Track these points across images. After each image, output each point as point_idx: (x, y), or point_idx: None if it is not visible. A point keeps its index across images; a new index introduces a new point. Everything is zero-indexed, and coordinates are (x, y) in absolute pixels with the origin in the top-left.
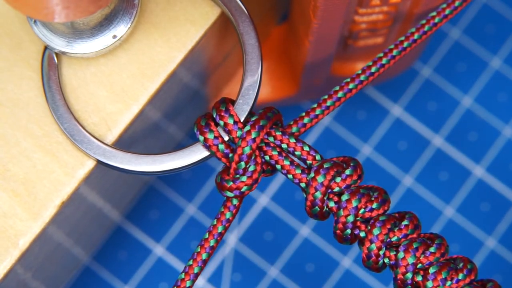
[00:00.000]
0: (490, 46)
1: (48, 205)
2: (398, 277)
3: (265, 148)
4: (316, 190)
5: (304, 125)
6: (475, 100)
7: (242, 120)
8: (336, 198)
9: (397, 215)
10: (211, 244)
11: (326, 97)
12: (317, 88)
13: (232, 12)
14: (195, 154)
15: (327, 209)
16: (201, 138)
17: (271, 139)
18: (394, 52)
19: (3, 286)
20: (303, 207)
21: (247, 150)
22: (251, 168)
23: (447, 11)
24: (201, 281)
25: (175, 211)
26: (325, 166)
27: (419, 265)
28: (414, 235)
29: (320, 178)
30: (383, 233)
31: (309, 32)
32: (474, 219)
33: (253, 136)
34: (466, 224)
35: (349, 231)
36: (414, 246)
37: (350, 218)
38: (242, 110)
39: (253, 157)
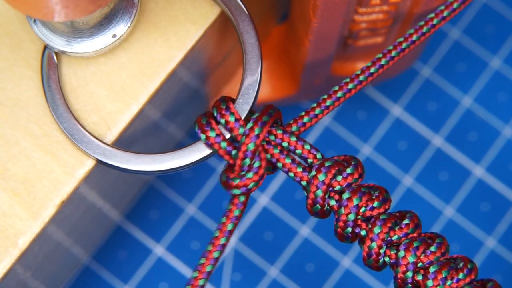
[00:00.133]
0: (490, 46)
1: (47, 204)
2: (399, 276)
3: (266, 147)
4: (318, 188)
5: (304, 124)
6: (475, 100)
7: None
8: (337, 197)
9: (398, 214)
10: (222, 242)
11: (325, 96)
12: (317, 87)
13: (232, 11)
14: (195, 153)
15: (328, 207)
16: (203, 136)
17: (272, 137)
18: (393, 53)
19: (3, 285)
20: (303, 207)
21: (251, 146)
22: (256, 164)
23: (445, 13)
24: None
25: (175, 211)
26: (326, 164)
27: (420, 264)
28: (415, 234)
29: (321, 176)
30: (384, 232)
31: (309, 31)
32: (474, 219)
33: (256, 132)
34: (466, 224)
35: (350, 229)
36: (415, 245)
37: (351, 217)
38: (242, 109)
39: (257, 153)
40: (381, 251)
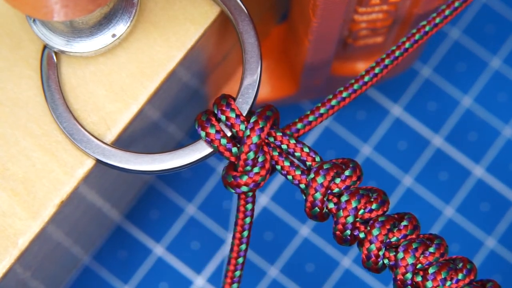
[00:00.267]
0: (490, 46)
1: (47, 204)
2: (398, 278)
3: (266, 148)
4: (316, 191)
5: (304, 126)
6: (475, 100)
7: None
8: (335, 199)
9: (396, 216)
10: (245, 235)
11: (325, 101)
12: (317, 87)
13: (232, 11)
14: (195, 153)
15: (327, 210)
16: (203, 133)
17: (271, 139)
18: (397, 53)
19: (2, 285)
20: (303, 207)
21: (256, 139)
22: (261, 159)
23: (447, 12)
24: (201, 281)
25: (175, 211)
26: (324, 167)
27: (419, 266)
28: (413, 236)
29: (319, 179)
30: (383, 234)
31: (308, 31)
32: (474, 219)
33: (261, 125)
34: (466, 224)
35: (348, 232)
36: (414, 247)
37: (350, 219)
38: (241, 109)
39: (260, 148)
40: (380, 253)
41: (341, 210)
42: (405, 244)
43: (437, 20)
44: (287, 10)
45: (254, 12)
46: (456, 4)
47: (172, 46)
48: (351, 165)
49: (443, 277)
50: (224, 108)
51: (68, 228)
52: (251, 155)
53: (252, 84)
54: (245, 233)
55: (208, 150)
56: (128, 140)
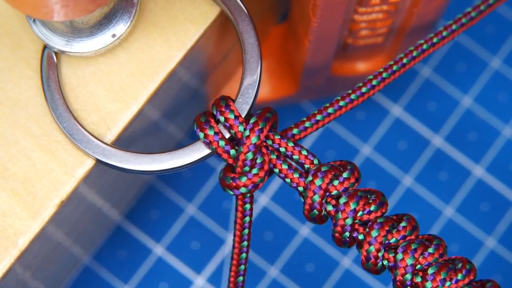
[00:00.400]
0: (490, 46)
1: (47, 204)
2: (398, 279)
3: (264, 150)
4: (315, 193)
5: (305, 128)
6: (475, 100)
7: None
8: (334, 202)
9: (395, 217)
10: (245, 233)
11: (327, 104)
12: (317, 87)
13: (232, 11)
14: (195, 153)
15: (325, 212)
16: (201, 134)
17: (270, 142)
18: (394, 67)
19: (2, 285)
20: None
21: (255, 139)
22: (260, 160)
23: (454, 27)
24: (201, 281)
25: (175, 211)
26: (322, 169)
27: (418, 266)
28: (412, 237)
29: (318, 182)
30: (382, 235)
31: (308, 31)
32: (474, 219)
33: (260, 126)
34: (465, 224)
35: (347, 234)
36: (413, 247)
37: (349, 221)
38: (241, 109)
39: (258, 150)
40: (379, 254)
41: (340, 212)
42: (404, 245)
43: (444, 33)
44: (287, 10)
45: (254, 12)
46: (463, 20)
47: (172, 46)
48: (349, 167)
49: (442, 277)
50: (223, 109)
51: (68, 228)
52: (250, 155)
53: (252, 84)
54: (246, 231)
55: (207, 150)
56: (128, 140)
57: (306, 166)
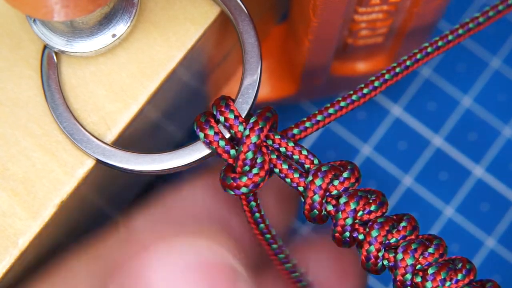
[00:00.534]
0: (490, 46)
1: (47, 204)
2: (398, 279)
3: (264, 150)
4: (315, 193)
5: (306, 128)
6: (475, 100)
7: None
8: (334, 201)
9: (395, 217)
10: (262, 227)
11: (328, 104)
12: (317, 87)
13: (232, 11)
14: (195, 153)
15: (325, 212)
16: (201, 134)
17: (270, 142)
18: (386, 76)
19: (2, 285)
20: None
21: (255, 139)
22: (260, 160)
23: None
24: None
25: None
26: (322, 169)
27: (418, 266)
28: (413, 237)
29: (318, 181)
30: (382, 235)
31: (308, 31)
32: (474, 219)
33: (260, 125)
34: (465, 224)
35: (347, 234)
36: (413, 247)
37: (349, 221)
38: (241, 109)
39: (259, 149)
40: (380, 254)
41: (340, 212)
42: (404, 245)
43: (450, 37)
44: (287, 10)
45: (254, 12)
46: (470, 25)
47: (172, 46)
48: (349, 167)
49: (442, 277)
50: (223, 109)
51: (68, 228)
52: (250, 155)
53: (252, 84)
54: (262, 226)
55: (207, 150)
56: (128, 140)
57: (306, 166)
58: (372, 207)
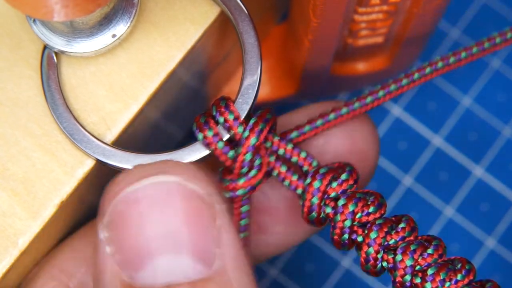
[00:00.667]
0: None
1: (47, 204)
2: (397, 280)
3: (262, 152)
4: (313, 195)
5: (305, 132)
6: (475, 100)
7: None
8: (332, 204)
9: (393, 218)
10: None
11: (329, 110)
12: (317, 87)
13: (232, 11)
14: (194, 153)
15: (324, 215)
16: (200, 135)
17: (269, 144)
18: (404, 81)
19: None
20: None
21: (254, 140)
22: (258, 162)
23: (498, 40)
24: None
25: None
26: (321, 171)
27: (418, 267)
28: (412, 238)
29: (316, 184)
30: (381, 237)
31: (308, 31)
32: (474, 219)
33: (260, 127)
34: (465, 224)
35: (346, 236)
36: (412, 248)
37: (347, 223)
38: (241, 109)
39: (257, 151)
40: (379, 256)
41: (339, 214)
42: (403, 246)
43: (463, 54)
44: (287, 10)
45: (254, 12)
46: (498, 40)
47: (172, 46)
48: (347, 169)
49: (442, 278)
50: (222, 110)
51: (68, 228)
52: (248, 156)
53: (252, 84)
54: (242, 235)
55: (207, 151)
56: (128, 140)
57: (305, 168)
58: (371, 209)
